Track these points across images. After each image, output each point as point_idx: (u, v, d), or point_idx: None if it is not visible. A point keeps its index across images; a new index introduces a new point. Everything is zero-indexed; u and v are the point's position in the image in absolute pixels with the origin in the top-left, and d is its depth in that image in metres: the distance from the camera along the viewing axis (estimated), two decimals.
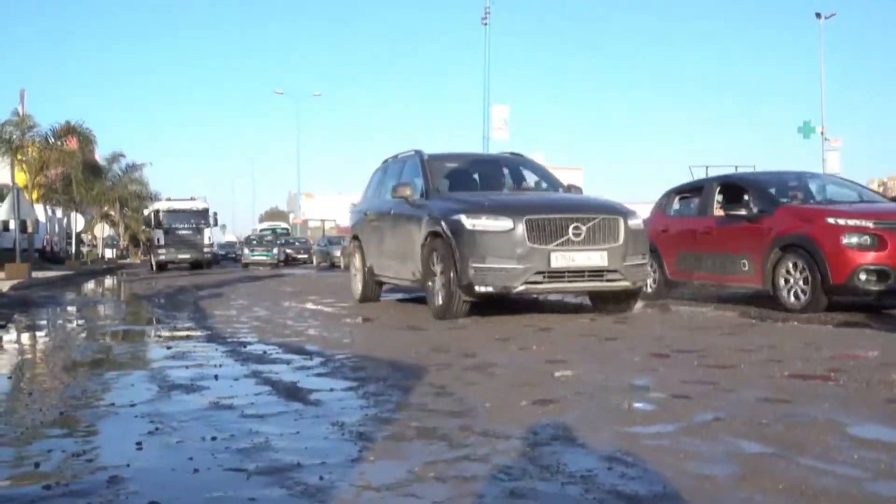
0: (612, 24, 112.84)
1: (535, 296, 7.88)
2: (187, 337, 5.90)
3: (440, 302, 6.81)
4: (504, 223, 6.41)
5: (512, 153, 9.15)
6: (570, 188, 8.07)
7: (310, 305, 9.18)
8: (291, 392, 3.48)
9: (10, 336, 6.48)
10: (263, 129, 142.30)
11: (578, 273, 6.47)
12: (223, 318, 7.64)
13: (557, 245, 6.38)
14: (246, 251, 35.96)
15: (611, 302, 7.12)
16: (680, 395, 3.25)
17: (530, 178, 8.46)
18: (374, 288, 8.96)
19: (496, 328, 5.87)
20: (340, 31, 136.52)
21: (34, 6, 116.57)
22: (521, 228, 6.37)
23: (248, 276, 19.51)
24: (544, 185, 8.25)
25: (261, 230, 46.85)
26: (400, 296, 9.54)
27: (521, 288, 6.40)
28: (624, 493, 2.01)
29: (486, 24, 37.22)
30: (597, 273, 6.52)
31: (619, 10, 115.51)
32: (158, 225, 28.16)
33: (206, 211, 28.97)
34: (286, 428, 2.78)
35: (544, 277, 6.39)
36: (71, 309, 9.70)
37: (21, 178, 24.68)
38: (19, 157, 24.34)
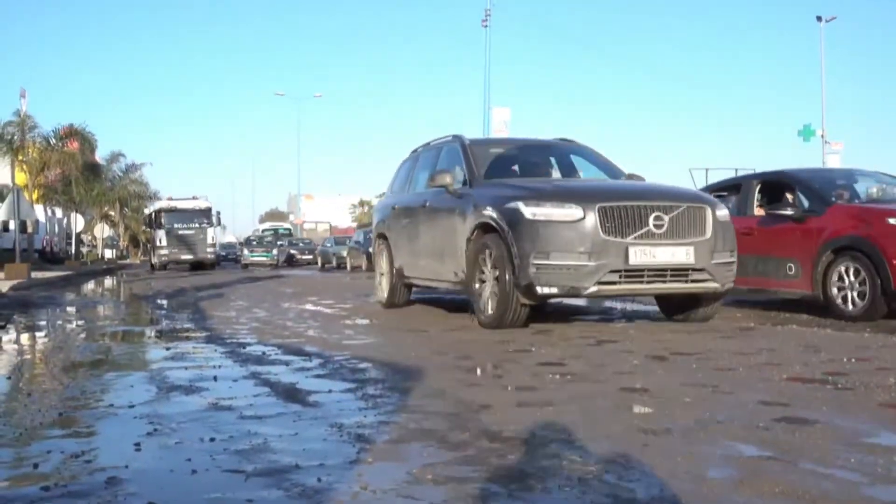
0: (613, 26, 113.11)
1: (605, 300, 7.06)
2: (186, 338, 5.91)
3: (491, 308, 5.88)
4: (572, 211, 5.49)
5: (563, 139, 8.08)
6: (631, 178, 7.17)
7: (309, 307, 9.18)
8: (290, 393, 3.48)
9: (9, 336, 6.48)
10: (264, 129, 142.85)
11: (660, 272, 5.55)
12: (222, 318, 7.64)
13: (636, 238, 5.46)
14: (245, 252, 35.95)
15: (687, 308, 6.24)
16: (678, 397, 3.25)
17: (587, 167, 7.48)
18: (402, 292, 8.17)
19: (495, 330, 5.86)
20: (341, 32, 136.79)
21: (35, 5, 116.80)
22: (592, 218, 5.44)
23: (247, 277, 19.52)
24: (604, 174, 7.31)
25: (263, 230, 46.77)
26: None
27: (593, 289, 5.51)
28: (621, 497, 2.01)
29: (486, 26, 37.28)
30: (681, 272, 5.60)
31: (619, 11, 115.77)
32: (160, 225, 27.77)
33: (208, 210, 28.44)
34: (285, 429, 2.78)
35: (620, 277, 5.48)
36: (70, 309, 9.70)
37: (21, 179, 24.71)
38: (20, 157, 24.38)
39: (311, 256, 34.57)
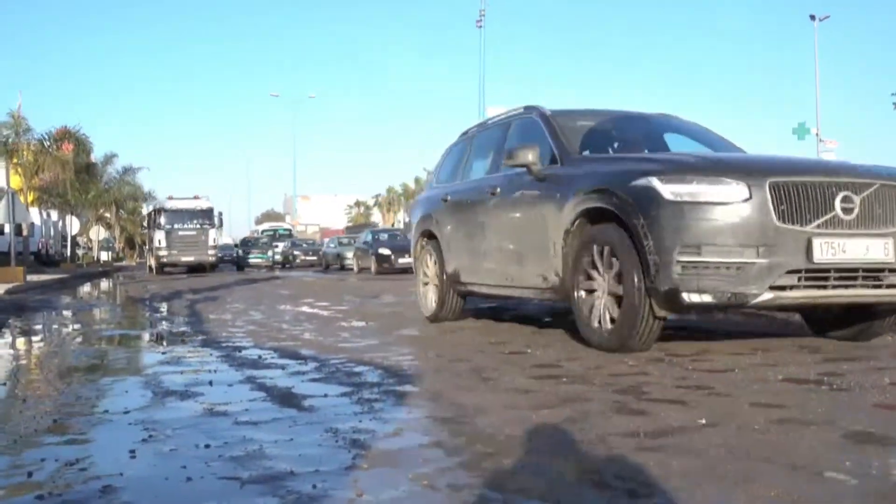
0: (607, 25, 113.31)
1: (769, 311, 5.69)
2: (182, 341, 5.89)
3: (608, 323, 4.57)
4: (732, 189, 4.09)
5: (663, 114, 6.55)
6: None
7: (306, 309, 9.17)
8: (286, 398, 3.47)
9: (4, 340, 6.46)
10: (259, 131, 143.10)
11: (849, 273, 4.18)
12: (218, 322, 7.63)
13: (820, 226, 4.11)
14: (242, 253, 35.96)
15: (851, 321, 4.91)
16: (673, 399, 3.26)
17: (694, 148, 5.90)
18: (455, 302, 6.76)
19: (490, 332, 5.86)
20: (336, 33, 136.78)
21: (29, 6, 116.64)
22: (761, 198, 4.06)
23: (245, 280, 19.50)
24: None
25: (262, 231, 46.68)
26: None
27: (766, 296, 4.09)
28: (616, 501, 2.01)
29: (480, 26, 37.36)
30: (874, 274, 4.23)
31: (615, 6, 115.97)
32: (159, 225, 26.98)
33: (210, 210, 27.36)
34: (280, 435, 2.78)
35: (800, 280, 4.10)
36: (66, 313, 9.68)
37: (16, 181, 24.68)
38: (14, 160, 24.35)
39: (315, 258, 33.80)
